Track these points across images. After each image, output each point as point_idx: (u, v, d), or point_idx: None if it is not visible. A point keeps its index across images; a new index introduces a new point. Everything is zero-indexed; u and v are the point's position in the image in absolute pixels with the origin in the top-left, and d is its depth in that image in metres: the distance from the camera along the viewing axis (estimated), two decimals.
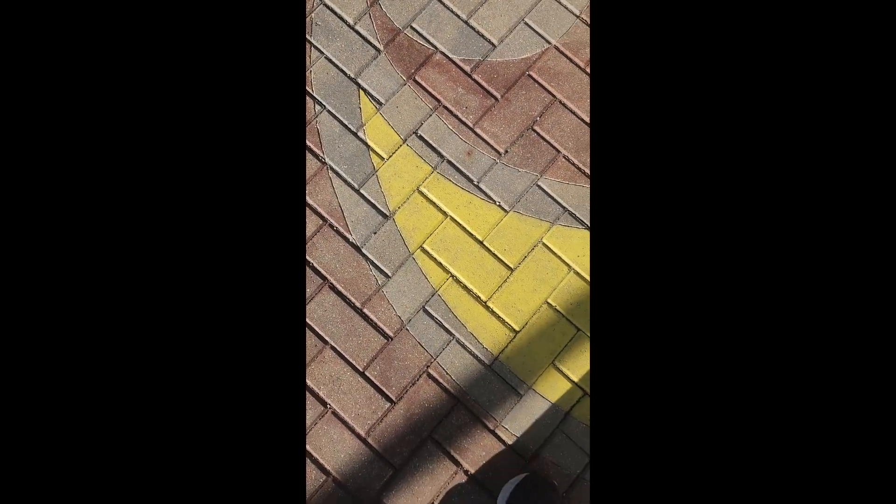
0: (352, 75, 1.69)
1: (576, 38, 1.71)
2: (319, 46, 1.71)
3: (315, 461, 1.52)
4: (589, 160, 1.65)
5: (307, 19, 1.72)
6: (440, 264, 1.60)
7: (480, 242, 1.61)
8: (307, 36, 1.71)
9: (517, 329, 1.57)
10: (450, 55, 1.70)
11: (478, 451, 1.52)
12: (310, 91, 1.68)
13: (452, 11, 1.72)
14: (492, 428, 1.53)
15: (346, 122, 1.67)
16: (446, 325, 1.57)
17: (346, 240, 1.62)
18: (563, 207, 1.63)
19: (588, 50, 1.70)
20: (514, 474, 1.50)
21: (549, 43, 1.71)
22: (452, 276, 1.60)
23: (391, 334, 1.57)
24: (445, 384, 1.55)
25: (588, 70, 1.69)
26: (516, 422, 1.53)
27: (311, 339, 1.57)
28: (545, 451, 1.51)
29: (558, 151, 1.66)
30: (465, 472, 1.51)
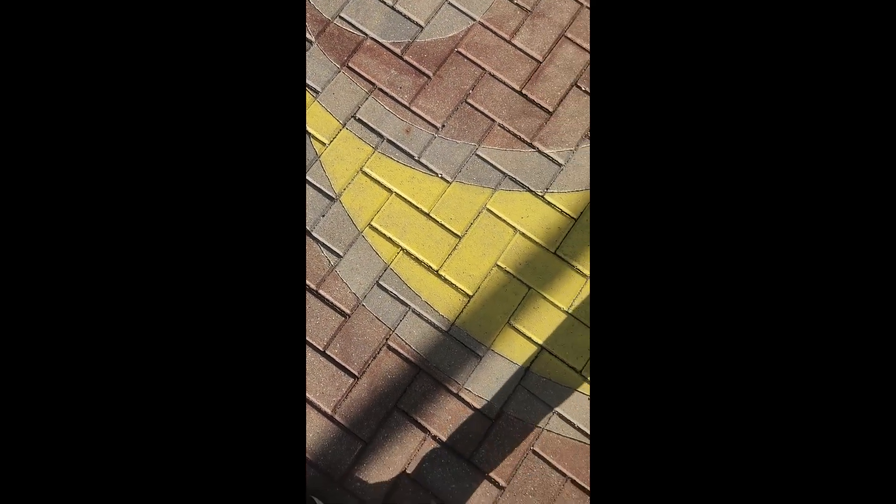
0: None
1: (498, 13, 1.78)
2: None
3: None
4: (524, 126, 1.71)
5: None
6: (390, 239, 1.64)
7: (427, 214, 1.65)
8: None
9: (470, 294, 1.61)
10: (380, 40, 1.76)
11: (444, 416, 1.54)
12: None
13: None
14: (455, 392, 1.56)
15: None
16: (401, 297, 1.60)
17: None
18: (504, 173, 1.68)
19: (511, 22, 1.77)
20: (481, 434, 1.52)
21: (473, 20, 1.77)
22: (403, 249, 1.63)
23: (348, 312, 1.60)
24: (406, 354, 1.58)
25: (513, 41, 1.76)
26: (479, 383, 1.56)
27: None
28: (509, 407, 1.54)
29: (493, 120, 1.71)
30: (434, 437, 1.53)
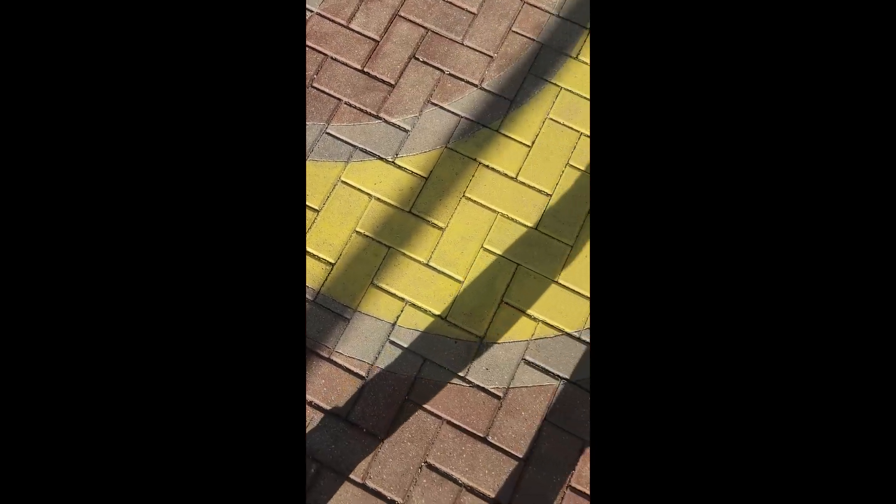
0: None
1: (334, 2, 1.88)
2: None
3: None
4: (368, 100, 1.79)
5: None
6: None
7: None
8: None
9: (333, 262, 1.65)
10: None
11: (318, 381, 1.57)
12: None
13: None
14: (327, 356, 1.58)
15: None
16: None
17: None
18: (354, 146, 1.75)
19: (347, 9, 1.88)
20: (356, 393, 1.55)
21: (311, 11, 1.87)
22: None
23: None
24: None
25: (350, 26, 1.86)
26: (348, 344, 1.59)
27: None
28: (380, 362, 1.57)
29: (339, 100, 1.79)
30: (310, 403, 1.55)
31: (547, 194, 1.71)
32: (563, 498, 1.48)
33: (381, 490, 1.48)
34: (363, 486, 1.48)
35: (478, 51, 1.84)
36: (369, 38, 1.85)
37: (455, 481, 1.49)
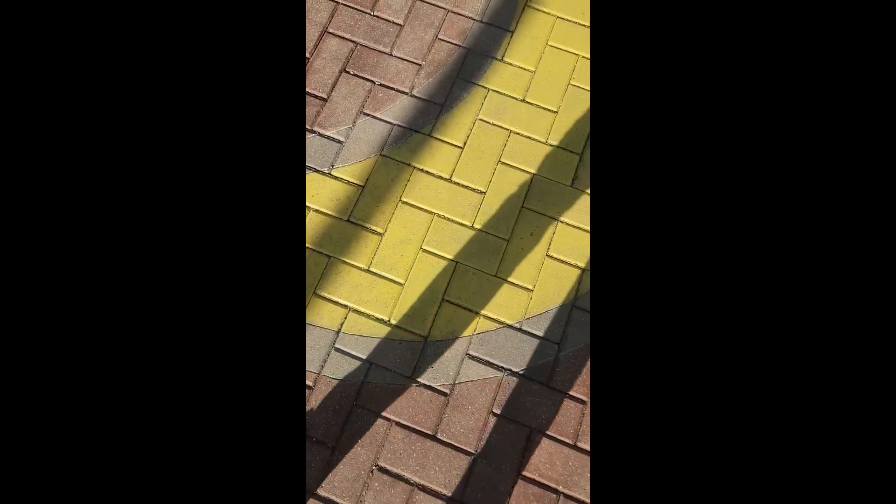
0: None
1: None
2: None
3: None
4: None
5: None
6: None
7: None
8: None
9: None
10: None
11: None
12: None
13: None
14: None
15: None
16: None
17: None
18: None
19: None
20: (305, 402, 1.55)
21: None
22: None
23: None
24: None
25: None
26: None
27: None
28: (326, 371, 1.58)
29: None
30: None
31: (481, 192, 1.75)
32: (513, 486, 1.48)
33: (333, 498, 1.47)
34: (315, 496, 1.48)
35: (406, 60, 1.89)
36: None
37: (407, 481, 1.49)
